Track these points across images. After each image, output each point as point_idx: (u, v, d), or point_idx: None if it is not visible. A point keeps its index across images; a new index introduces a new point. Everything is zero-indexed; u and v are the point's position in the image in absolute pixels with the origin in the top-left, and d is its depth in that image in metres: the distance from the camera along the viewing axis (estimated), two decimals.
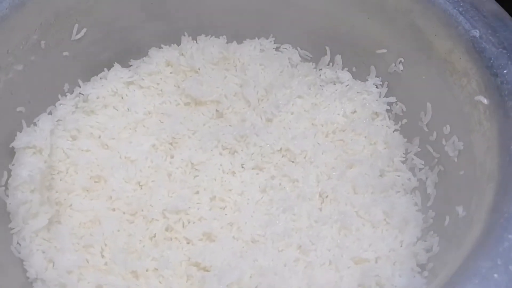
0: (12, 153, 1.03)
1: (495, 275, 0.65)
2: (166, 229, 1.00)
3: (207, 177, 1.08)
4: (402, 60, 1.14)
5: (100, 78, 1.21)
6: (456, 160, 0.99)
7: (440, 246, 0.94)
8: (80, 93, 1.18)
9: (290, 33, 1.31)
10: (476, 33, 0.92)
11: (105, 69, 1.22)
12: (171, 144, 1.13)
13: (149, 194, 1.04)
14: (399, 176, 1.11)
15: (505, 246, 0.68)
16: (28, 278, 0.93)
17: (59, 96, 1.16)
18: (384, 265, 0.97)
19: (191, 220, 1.01)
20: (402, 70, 1.15)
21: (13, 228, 0.97)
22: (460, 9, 0.96)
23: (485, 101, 0.88)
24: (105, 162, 1.08)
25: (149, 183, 1.06)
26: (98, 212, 1.02)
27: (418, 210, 1.05)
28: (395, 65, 1.16)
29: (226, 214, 1.03)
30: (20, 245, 0.96)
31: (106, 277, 0.93)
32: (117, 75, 1.21)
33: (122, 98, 1.19)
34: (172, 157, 1.11)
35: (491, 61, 0.89)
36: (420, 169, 1.11)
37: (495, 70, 0.88)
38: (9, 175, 1.00)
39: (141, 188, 1.06)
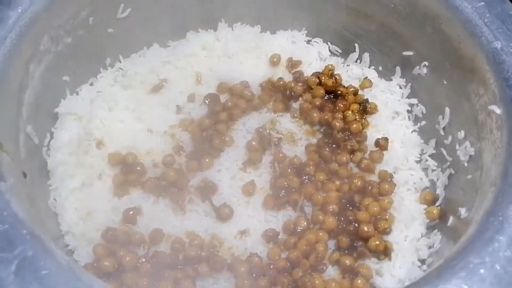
0: (55, 117, 1.13)
1: (481, 271, 0.71)
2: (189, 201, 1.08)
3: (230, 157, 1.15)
4: (427, 64, 1.18)
5: (139, 56, 1.30)
6: (466, 164, 1.03)
7: (441, 244, 1.00)
8: (120, 68, 1.27)
9: (322, 28, 1.36)
10: (498, 44, 0.96)
11: (145, 47, 1.30)
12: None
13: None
14: (412, 175, 1.16)
15: (495, 246, 0.74)
16: (61, 231, 1.03)
17: (101, 69, 1.25)
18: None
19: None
20: (425, 74, 1.19)
21: (51, 185, 1.07)
22: (485, 20, 0.99)
23: (498, 111, 0.92)
24: (137, 134, 1.17)
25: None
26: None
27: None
28: (419, 68, 1.20)
29: None
30: (56, 201, 1.06)
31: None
32: (155, 54, 1.30)
33: (158, 76, 1.27)
34: None
35: (509, 73, 0.92)
36: (433, 170, 1.16)
37: (511, 82, 0.91)
38: (52, 137, 1.10)
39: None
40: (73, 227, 1.04)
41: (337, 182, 1.11)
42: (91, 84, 1.23)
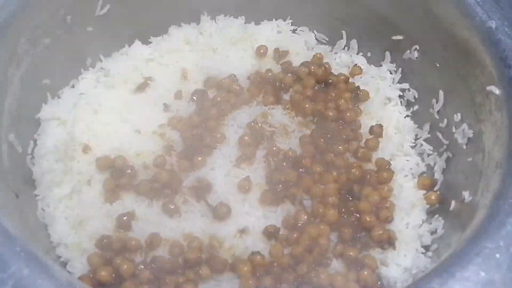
0: (38, 123, 1.07)
1: (497, 255, 0.70)
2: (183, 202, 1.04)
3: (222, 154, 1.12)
4: (417, 48, 1.16)
5: (121, 54, 1.25)
6: (464, 147, 1.02)
7: (445, 229, 0.99)
8: (101, 67, 1.22)
9: (308, 16, 1.33)
10: (492, 24, 0.94)
11: (126, 45, 1.25)
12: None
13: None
14: (408, 160, 1.15)
15: (508, 230, 0.72)
16: (51, 242, 0.99)
17: (82, 70, 1.19)
18: None
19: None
20: (416, 58, 1.17)
21: (38, 195, 1.01)
22: (478, 0, 0.97)
23: (497, 91, 0.91)
24: (124, 136, 1.12)
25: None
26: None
27: (425, 194, 1.09)
28: (410, 52, 1.19)
29: None
30: (44, 211, 1.01)
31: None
32: (137, 51, 1.25)
33: (142, 74, 1.22)
34: None
35: (505, 53, 0.91)
36: (429, 155, 1.15)
37: (508, 62, 0.90)
38: (35, 145, 1.04)
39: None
40: (65, 238, 0.99)
41: (335, 173, 1.09)
42: (73, 86, 1.17)
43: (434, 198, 1.07)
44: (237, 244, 1.00)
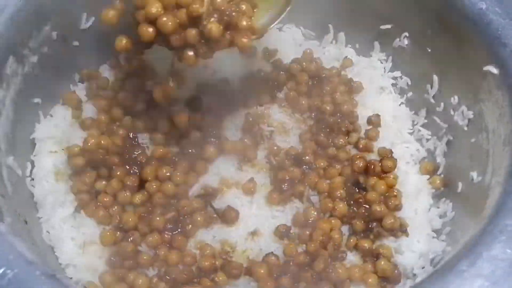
0: (33, 144, 1.04)
1: None
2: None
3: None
4: (407, 35, 1.17)
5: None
6: (466, 128, 1.03)
7: (455, 211, 0.99)
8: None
9: (293, 12, 1.31)
10: (483, 5, 0.95)
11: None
12: None
13: None
14: (407, 147, 1.16)
15: None
16: (60, 264, 0.96)
17: (71, 86, 1.16)
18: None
19: None
20: (406, 45, 1.18)
21: (41, 217, 0.98)
22: None
23: (495, 70, 0.92)
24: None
25: None
26: None
27: (429, 179, 1.10)
28: (399, 40, 1.19)
29: None
30: (49, 233, 0.98)
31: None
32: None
33: None
34: None
35: (499, 32, 0.92)
36: (428, 140, 1.16)
37: (503, 40, 0.91)
38: (33, 166, 1.01)
39: None
40: (74, 259, 0.96)
41: (338, 166, 1.09)
42: (63, 104, 1.14)
43: (438, 182, 1.08)
44: (250, 247, 0.99)
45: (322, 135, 1.13)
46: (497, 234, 0.70)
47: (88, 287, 0.92)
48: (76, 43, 1.13)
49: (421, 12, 1.10)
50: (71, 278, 0.95)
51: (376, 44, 1.26)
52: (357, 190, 1.05)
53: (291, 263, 0.96)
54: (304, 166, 1.09)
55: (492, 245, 0.70)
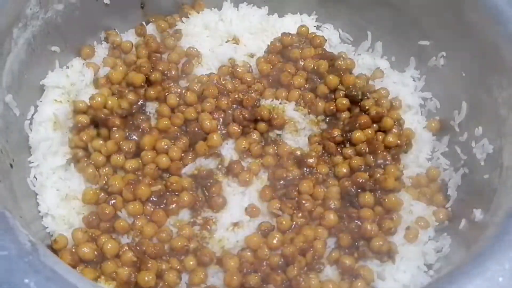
0: (41, 90, 1.05)
1: (500, 279, 0.63)
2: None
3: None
4: (444, 55, 1.09)
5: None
6: (482, 163, 0.95)
7: (451, 248, 0.92)
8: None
9: (334, 13, 1.28)
10: None
11: (143, 23, 1.22)
12: None
13: None
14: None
15: None
16: (39, 212, 0.96)
17: (95, 43, 1.17)
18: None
19: None
20: (442, 65, 1.11)
21: (33, 162, 0.99)
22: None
23: None
24: None
25: None
26: None
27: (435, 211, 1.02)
28: (435, 59, 1.12)
29: None
30: (36, 179, 0.98)
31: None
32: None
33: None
34: None
35: None
36: (445, 169, 1.08)
37: None
38: (36, 111, 1.02)
39: None
40: (53, 209, 0.97)
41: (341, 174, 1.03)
42: (84, 59, 1.14)
43: (442, 216, 1.00)
44: (228, 237, 0.95)
45: (331, 142, 1.07)
46: (472, 276, 0.63)
47: (58, 240, 0.91)
48: (107, 1, 1.13)
49: (462, 32, 1.02)
50: (46, 227, 0.96)
51: (412, 60, 1.19)
52: (352, 205, 0.99)
53: (264, 263, 0.91)
54: (305, 169, 1.04)
55: (465, 286, 0.62)
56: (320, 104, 1.11)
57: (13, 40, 0.93)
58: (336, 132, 1.06)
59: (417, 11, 1.12)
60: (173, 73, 1.13)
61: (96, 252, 0.90)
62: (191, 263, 0.92)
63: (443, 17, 1.06)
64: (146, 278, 0.87)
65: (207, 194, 1.00)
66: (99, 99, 1.02)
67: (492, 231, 0.71)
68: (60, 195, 0.98)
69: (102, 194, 0.97)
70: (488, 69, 0.97)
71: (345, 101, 1.09)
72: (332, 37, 1.27)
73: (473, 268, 0.64)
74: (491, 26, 0.95)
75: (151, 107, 1.09)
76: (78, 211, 0.97)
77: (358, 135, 1.05)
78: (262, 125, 1.08)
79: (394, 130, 1.07)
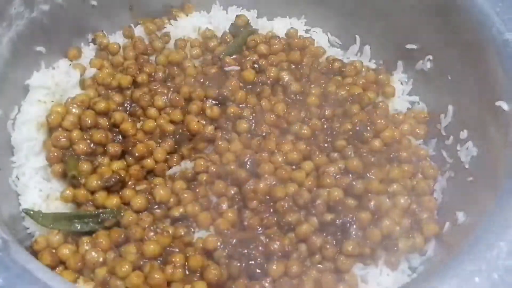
0: (26, 90, 1.04)
1: (476, 279, 0.62)
2: None
3: None
4: (431, 58, 1.09)
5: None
6: (467, 166, 0.95)
7: (435, 251, 0.91)
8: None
9: (322, 17, 1.28)
10: (510, 36, 0.87)
11: (131, 25, 1.22)
12: None
13: None
14: None
15: (494, 253, 0.64)
16: (20, 212, 0.95)
17: (82, 45, 1.17)
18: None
19: None
20: (428, 68, 1.10)
21: (15, 162, 0.98)
22: (497, 10, 0.91)
23: (506, 107, 0.83)
24: None
25: None
26: None
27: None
28: (422, 63, 1.12)
29: None
30: (18, 179, 0.97)
31: None
32: (142, 33, 1.21)
33: None
34: None
35: None
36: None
37: None
38: (19, 111, 1.01)
39: None
40: (35, 210, 0.95)
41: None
42: (70, 60, 1.14)
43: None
44: None
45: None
46: (449, 277, 0.62)
47: (38, 241, 0.90)
48: (94, 2, 1.13)
49: (448, 35, 1.02)
50: (27, 228, 0.95)
51: (400, 63, 1.19)
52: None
53: None
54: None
55: (440, 286, 0.61)
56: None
57: None
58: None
59: (404, 15, 1.13)
60: (160, 75, 1.13)
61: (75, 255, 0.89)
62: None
63: (430, 20, 1.06)
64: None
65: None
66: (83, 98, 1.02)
67: (472, 233, 0.70)
68: (42, 196, 0.97)
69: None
70: (472, 73, 0.96)
71: None
72: (321, 41, 1.28)
73: (450, 269, 0.63)
74: (476, 30, 0.94)
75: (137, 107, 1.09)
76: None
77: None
78: None
79: None
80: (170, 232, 0.92)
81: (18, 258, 0.62)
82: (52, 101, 1.04)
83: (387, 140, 1.06)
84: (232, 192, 0.98)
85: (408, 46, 1.14)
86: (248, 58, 1.15)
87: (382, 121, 1.06)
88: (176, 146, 1.04)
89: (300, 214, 0.95)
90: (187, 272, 0.87)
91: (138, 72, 1.12)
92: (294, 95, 1.11)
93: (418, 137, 1.10)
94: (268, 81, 1.11)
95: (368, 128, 1.03)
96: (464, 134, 0.98)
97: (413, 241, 0.93)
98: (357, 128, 1.04)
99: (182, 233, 0.93)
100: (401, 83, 1.19)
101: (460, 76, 1.01)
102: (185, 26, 1.24)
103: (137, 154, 1.01)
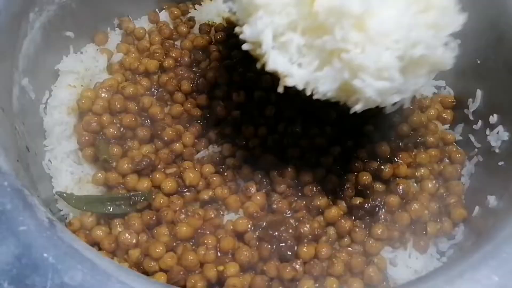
0: (56, 74, 1.05)
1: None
2: None
3: None
4: (459, 42, 1.08)
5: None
6: (497, 151, 0.94)
7: (464, 235, 0.91)
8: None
9: None
10: None
11: (157, 10, 1.22)
12: None
13: None
14: None
15: None
16: (54, 195, 0.96)
17: (108, 29, 1.17)
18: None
19: None
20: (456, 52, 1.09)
21: (47, 146, 1.00)
22: None
23: None
24: None
25: None
26: None
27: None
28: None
29: None
30: (51, 162, 0.99)
31: None
32: (167, 17, 1.22)
33: None
34: None
35: None
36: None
37: None
38: (50, 95, 1.03)
39: None
40: (68, 192, 0.97)
41: None
42: (98, 45, 1.15)
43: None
44: None
45: None
46: (488, 258, 0.63)
47: (72, 223, 0.92)
48: None
49: (477, 19, 1.00)
50: (60, 210, 0.96)
51: None
52: None
53: None
54: None
55: (478, 268, 0.62)
56: None
57: (29, 24, 0.93)
58: None
59: None
60: (186, 60, 1.14)
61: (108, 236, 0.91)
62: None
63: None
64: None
65: None
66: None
67: (508, 216, 0.70)
68: (74, 179, 0.99)
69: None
70: (504, 54, 0.95)
71: None
72: None
73: (489, 250, 0.64)
74: (506, 12, 0.94)
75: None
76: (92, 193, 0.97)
77: None
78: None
79: None
80: (200, 214, 0.94)
81: (65, 237, 0.63)
82: (82, 86, 1.05)
83: (414, 125, 1.06)
84: (260, 176, 1.00)
85: None
86: None
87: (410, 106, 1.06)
88: (203, 131, 1.06)
89: (328, 199, 0.97)
90: (219, 254, 0.88)
91: (164, 57, 1.13)
92: None
93: (445, 122, 1.10)
94: None
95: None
96: (494, 118, 0.97)
97: (441, 225, 0.94)
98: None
99: (212, 215, 0.94)
100: None
101: (490, 59, 1.00)
102: (210, 11, 1.24)
103: (166, 138, 1.02)
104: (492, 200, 0.86)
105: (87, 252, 0.62)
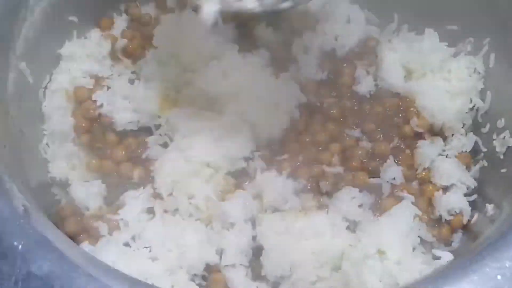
0: (58, 59, 1.05)
1: (498, 277, 0.59)
2: None
3: None
4: (472, 41, 1.04)
5: None
6: (502, 157, 0.91)
7: (461, 243, 0.88)
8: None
9: None
10: None
11: None
12: None
13: None
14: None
15: None
16: (49, 179, 0.97)
17: (114, 15, 1.17)
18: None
19: None
20: (468, 51, 1.05)
21: (46, 130, 1.00)
22: None
23: None
24: None
25: None
26: None
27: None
28: (462, 45, 1.06)
29: None
30: (49, 147, 1.00)
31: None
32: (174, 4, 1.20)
33: None
34: None
35: None
36: None
37: None
38: (51, 80, 1.03)
39: None
40: (64, 177, 0.98)
41: None
42: (102, 30, 1.14)
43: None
44: None
45: None
46: (470, 272, 0.60)
47: (64, 208, 0.93)
48: None
49: (490, 20, 0.96)
50: (56, 195, 0.97)
51: None
52: None
53: None
54: None
55: (459, 281, 0.59)
56: None
57: (28, 9, 0.93)
58: None
59: None
60: None
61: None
62: None
63: (472, 1, 1.00)
64: None
65: None
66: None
67: (498, 226, 0.67)
68: (69, 164, 0.99)
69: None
70: None
71: None
72: (357, 17, 1.22)
73: (471, 264, 0.61)
74: None
75: None
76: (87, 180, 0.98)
77: None
78: None
79: None
80: None
81: (38, 226, 0.63)
82: (82, 71, 1.05)
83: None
84: None
85: (449, 27, 1.08)
86: None
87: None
88: None
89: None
90: None
91: None
92: None
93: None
94: None
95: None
96: (501, 122, 0.93)
97: (439, 231, 0.91)
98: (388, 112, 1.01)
99: None
100: None
101: (502, 61, 0.96)
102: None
103: None
104: (490, 208, 0.82)
105: (59, 242, 0.62)
